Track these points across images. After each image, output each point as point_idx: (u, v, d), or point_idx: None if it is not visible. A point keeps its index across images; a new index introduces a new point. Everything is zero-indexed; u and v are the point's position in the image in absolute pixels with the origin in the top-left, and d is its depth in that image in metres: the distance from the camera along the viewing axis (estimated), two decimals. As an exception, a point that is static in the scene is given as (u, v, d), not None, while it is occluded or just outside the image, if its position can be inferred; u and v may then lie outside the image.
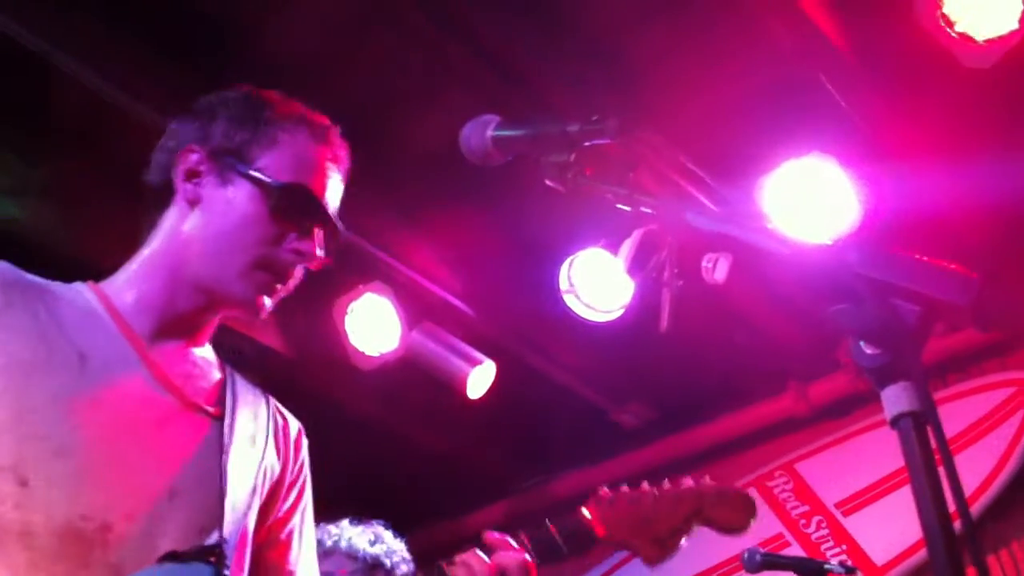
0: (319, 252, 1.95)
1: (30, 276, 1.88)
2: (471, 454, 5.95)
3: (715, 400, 5.60)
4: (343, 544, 3.18)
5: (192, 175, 1.95)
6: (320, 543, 3.16)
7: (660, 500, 2.34)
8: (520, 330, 5.17)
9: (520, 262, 4.79)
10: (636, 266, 1.55)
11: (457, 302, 4.91)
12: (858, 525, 5.14)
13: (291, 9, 3.82)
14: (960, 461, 1.12)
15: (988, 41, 3.43)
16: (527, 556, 2.14)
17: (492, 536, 2.15)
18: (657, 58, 4.01)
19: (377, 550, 3.19)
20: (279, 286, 1.95)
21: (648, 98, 4.01)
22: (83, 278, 1.99)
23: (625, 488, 2.37)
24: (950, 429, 1.20)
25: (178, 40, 3.79)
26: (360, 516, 3.32)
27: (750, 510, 2.45)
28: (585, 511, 2.30)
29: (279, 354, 5.04)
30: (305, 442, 2.10)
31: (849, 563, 3.71)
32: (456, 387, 4.87)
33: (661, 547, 2.30)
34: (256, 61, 3.87)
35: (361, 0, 3.80)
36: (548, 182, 1.65)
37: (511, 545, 2.14)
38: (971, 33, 3.44)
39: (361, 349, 4.77)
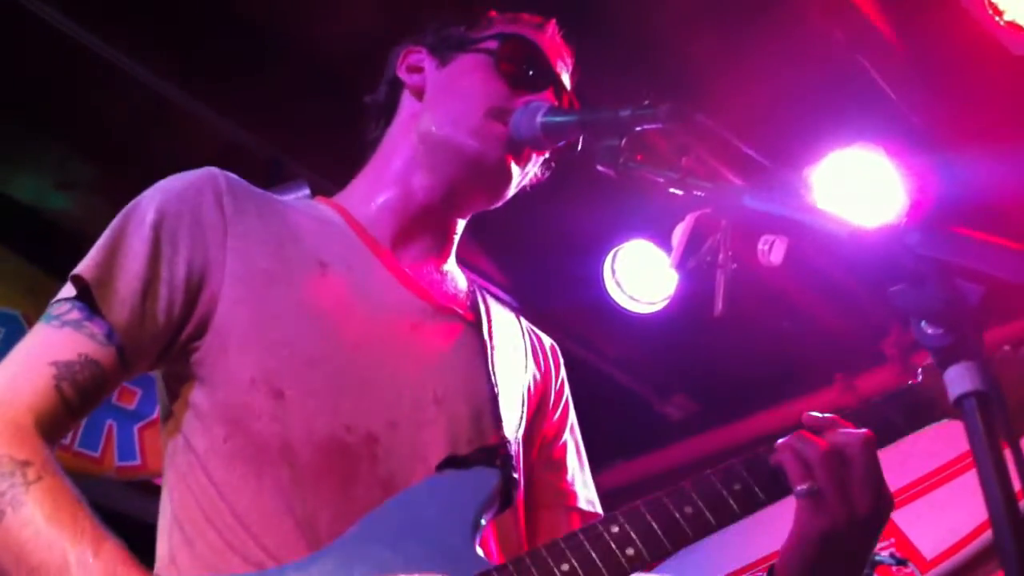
0: (556, 103, 1.86)
1: (257, 189, 1.79)
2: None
3: (760, 392, 5.56)
4: None
5: (415, 69, 1.94)
6: None
7: (1014, 362, 1.81)
8: (564, 322, 5.16)
9: (564, 253, 4.78)
10: (688, 251, 1.54)
11: (501, 293, 4.91)
12: (907, 518, 5.08)
13: (338, 10, 3.85)
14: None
15: (1037, 29, 3.40)
16: (863, 431, 1.65)
17: (814, 417, 1.69)
18: (705, 51, 4.00)
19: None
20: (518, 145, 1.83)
21: (695, 89, 4.00)
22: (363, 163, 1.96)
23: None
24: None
25: (224, 42, 3.83)
26: None
27: None
28: (919, 380, 1.81)
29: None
30: (562, 359, 2.01)
31: (898, 555, 3.68)
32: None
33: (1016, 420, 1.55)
34: (300, 61, 3.90)
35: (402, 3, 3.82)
36: (599, 167, 1.64)
37: (841, 423, 1.67)
38: (1020, 21, 3.41)
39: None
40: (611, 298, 4.63)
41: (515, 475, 1.60)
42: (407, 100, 1.94)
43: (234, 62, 3.90)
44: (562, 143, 1.84)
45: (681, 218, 1.63)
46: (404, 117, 1.92)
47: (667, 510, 1.59)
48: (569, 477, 1.90)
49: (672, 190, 1.51)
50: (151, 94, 3.87)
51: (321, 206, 1.86)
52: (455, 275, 1.92)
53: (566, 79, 1.95)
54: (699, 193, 1.48)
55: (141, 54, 3.77)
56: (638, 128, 1.63)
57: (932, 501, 4.96)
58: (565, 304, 5.02)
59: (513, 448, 1.69)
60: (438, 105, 1.87)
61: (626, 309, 4.63)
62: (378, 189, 1.87)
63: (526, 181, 1.94)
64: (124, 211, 1.68)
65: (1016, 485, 1.06)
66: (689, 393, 5.71)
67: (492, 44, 1.88)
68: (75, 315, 1.57)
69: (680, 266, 1.58)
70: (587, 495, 1.92)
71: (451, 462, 1.58)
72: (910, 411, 1.77)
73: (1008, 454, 1.05)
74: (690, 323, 4.45)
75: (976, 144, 4.07)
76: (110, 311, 1.57)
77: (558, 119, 1.78)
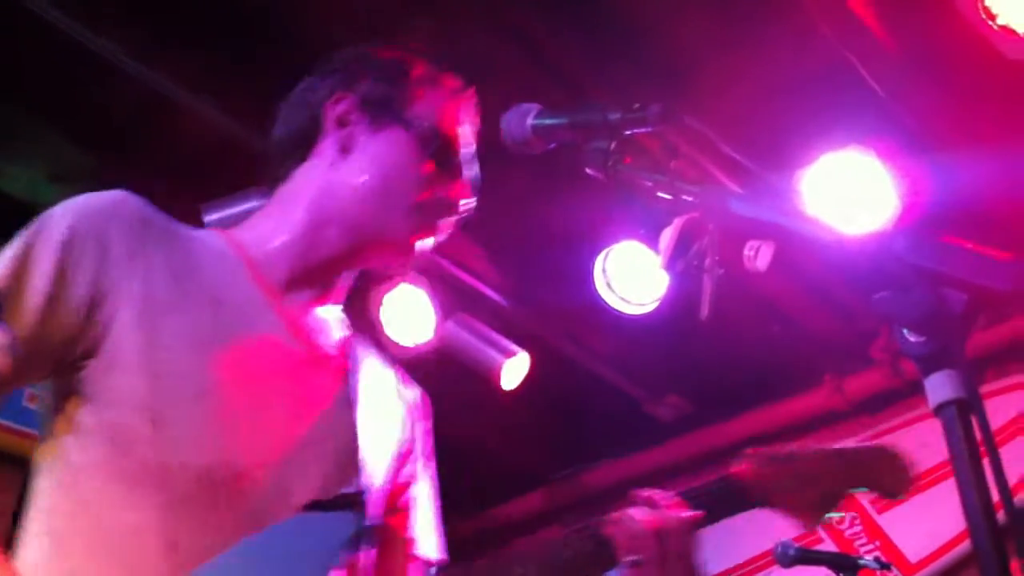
0: (473, 199, 1.97)
1: (164, 215, 1.84)
2: (506, 445, 5.97)
3: (750, 393, 5.57)
4: None
5: (343, 122, 1.96)
6: None
7: (821, 461, 2.11)
8: (555, 321, 5.17)
9: (555, 253, 4.79)
10: (676, 254, 1.55)
11: (492, 293, 4.92)
12: (892, 522, 5.10)
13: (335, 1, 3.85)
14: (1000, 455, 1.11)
15: (1030, 33, 3.40)
16: (683, 514, 1.89)
17: (646, 493, 1.92)
18: (696, 50, 4.00)
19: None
20: (434, 230, 1.95)
21: (685, 91, 4.00)
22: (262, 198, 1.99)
23: (780, 447, 2.15)
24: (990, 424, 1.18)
25: (225, 34, 3.83)
26: None
27: (908, 474, 2.20)
28: (737, 472, 2.06)
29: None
30: (431, 410, 2.09)
31: (883, 559, 3.69)
32: (491, 378, 4.87)
33: (818, 510, 2.07)
34: (303, 54, 3.89)
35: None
36: (588, 170, 1.64)
37: (671, 502, 1.89)
38: (1013, 25, 3.42)
39: (396, 339, 4.79)
40: (602, 298, 4.63)
41: (370, 522, 1.73)
42: (328, 148, 1.96)
43: (230, 54, 3.89)
44: (552, 145, 1.84)
45: (672, 219, 1.64)
46: (321, 166, 1.96)
47: (506, 570, 1.78)
48: (417, 525, 1.99)
49: (660, 194, 1.52)
50: (146, 86, 3.86)
51: (221, 240, 1.90)
52: (339, 323, 1.99)
53: (473, 146, 2.05)
54: (687, 197, 1.48)
55: (135, 45, 3.76)
56: (627, 131, 1.64)
57: (917, 505, 4.96)
58: (556, 304, 5.03)
59: (371, 495, 1.80)
60: (367, 176, 1.92)
61: (617, 310, 4.64)
62: (279, 231, 1.92)
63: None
64: (35, 226, 1.73)
65: (994, 494, 1.07)
66: (680, 393, 5.72)
67: (422, 128, 1.95)
68: None
69: (669, 270, 1.59)
70: (430, 544, 2.01)
71: (314, 505, 1.68)
72: (725, 499, 2.00)
73: (987, 463, 1.06)
74: (681, 324, 4.46)
75: (969, 147, 4.08)
76: (14, 322, 1.64)
77: (548, 122, 1.78)
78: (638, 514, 1.85)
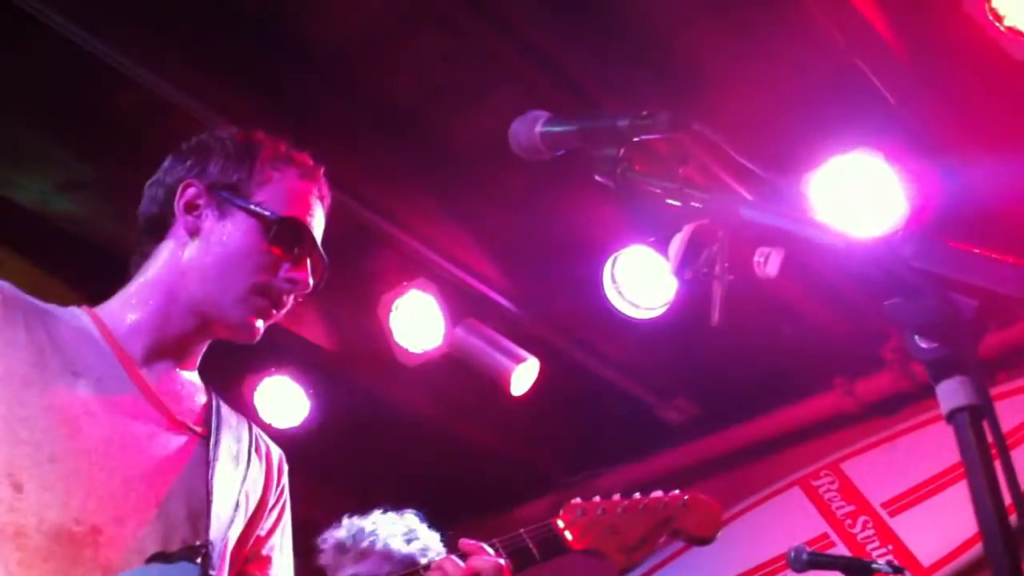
0: (310, 281, 2.08)
1: (29, 297, 2.00)
2: (516, 449, 5.97)
3: (761, 397, 5.57)
4: (379, 545, 3.19)
5: (192, 207, 2.08)
6: (356, 542, 3.19)
7: (628, 511, 2.42)
8: (564, 327, 5.17)
9: (564, 259, 4.79)
10: (685, 261, 1.55)
11: (501, 299, 4.92)
12: (905, 525, 5.09)
13: (341, 7, 3.85)
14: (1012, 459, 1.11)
15: (1038, 34, 3.40)
16: (501, 561, 2.21)
17: (467, 543, 2.24)
18: (705, 56, 4.01)
19: (413, 548, 3.19)
20: (274, 311, 2.07)
21: (695, 95, 4.00)
22: (132, 271, 2.09)
23: (597, 499, 2.47)
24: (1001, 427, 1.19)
25: (227, 40, 3.84)
26: (392, 506, 3.34)
27: (716, 521, 2.50)
28: (558, 520, 2.40)
29: (325, 351, 5.09)
30: (286, 468, 2.22)
31: (896, 563, 3.68)
32: (500, 384, 4.87)
33: (629, 555, 2.37)
34: (304, 60, 3.91)
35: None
36: (597, 177, 1.64)
37: (485, 551, 2.21)
38: (1020, 27, 3.41)
39: (405, 346, 4.80)
40: (611, 303, 4.63)
41: (212, 572, 1.86)
42: (179, 231, 2.09)
43: (237, 60, 3.90)
44: (561, 152, 1.84)
45: (681, 224, 1.64)
46: (174, 248, 2.09)
47: None
48: (272, 573, 2.14)
49: (669, 200, 1.52)
50: (154, 93, 3.88)
51: (85, 317, 2.03)
52: (196, 386, 2.12)
53: (321, 229, 2.15)
54: (696, 204, 1.48)
55: (145, 55, 3.77)
56: (636, 138, 1.64)
57: (930, 508, 4.96)
58: (566, 309, 5.03)
59: (217, 548, 1.92)
60: (210, 260, 2.04)
61: (626, 314, 4.64)
62: (136, 309, 2.05)
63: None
64: None
65: (1006, 499, 1.06)
66: (690, 397, 5.71)
67: (266, 212, 2.05)
68: None
69: (678, 276, 1.59)
70: None
71: (159, 556, 1.82)
72: (544, 544, 2.34)
73: (998, 467, 1.06)
74: (690, 328, 4.45)
75: (977, 149, 4.07)
76: None
77: (557, 129, 1.78)
78: (450, 565, 2.16)
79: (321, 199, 2.15)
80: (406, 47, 3.99)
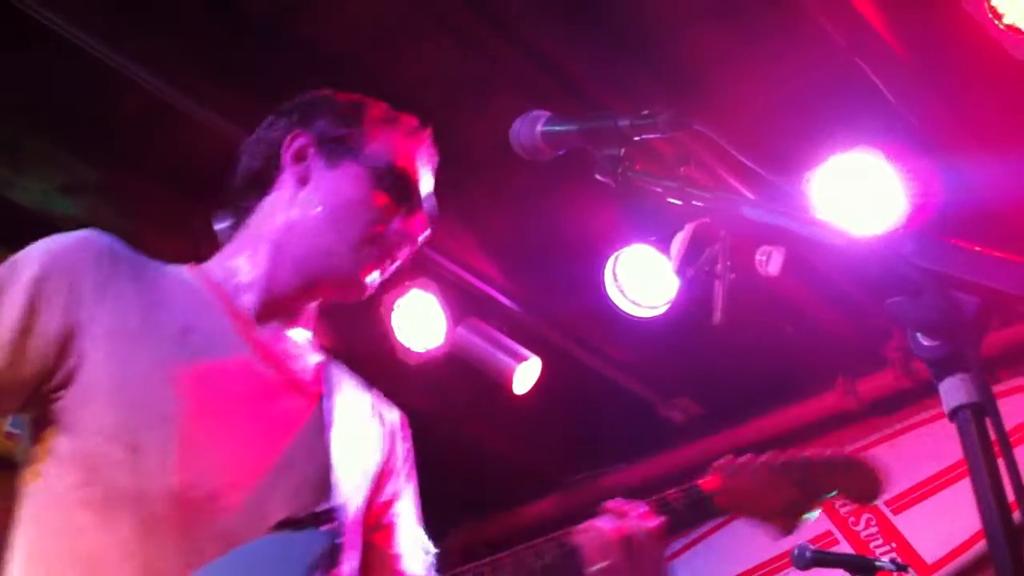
0: (421, 234, 2.04)
1: (134, 252, 1.91)
2: (519, 449, 5.97)
3: (763, 396, 5.57)
4: None
5: (300, 157, 2.03)
6: None
7: (785, 469, 2.22)
8: (566, 325, 5.17)
9: (566, 258, 4.79)
10: (687, 260, 1.55)
11: (503, 298, 4.93)
12: (908, 523, 5.09)
13: (343, 10, 3.85)
14: (1015, 456, 1.12)
15: (1037, 32, 3.39)
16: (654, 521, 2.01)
17: (616, 503, 2.05)
18: (706, 56, 4.00)
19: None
20: (385, 266, 2.01)
21: (696, 95, 4.01)
22: (224, 232, 2.06)
23: (749, 456, 2.27)
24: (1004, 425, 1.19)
25: (231, 43, 3.84)
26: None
27: (879, 478, 2.30)
28: (706, 480, 2.21)
29: (326, 350, 5.09)
30: (409, 431, 2.16)
31: (899, 561, 3.68)
32: (502, 383, 4.88)
33: (786, 519, 2.18)
34: (309, 64, 3.91)
35: (413, 1, 3.83)
36: (599, 177, 1.65)
37: (638, 510, 2.02)
38: (1020, 25, 3.41)
39: (407, 345, 4.80)
40: (613, 302, 4.63)
41: (341, 540, 1.77)
42: (287, 183, 2.04)
43: (241, 63, 3.90)
44: (562, 152, 1.85)
45: (683, 223, 1.64)
46: (281, 200, 2.03)
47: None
48: (399, 542, 2.05)
49: (671, 200, 1.52)
50: (157, 95, 3.88)
51: (191, 274, 1.97)
52: (309, 346, 2.06)
53: (429, 190, 2.11)
54: (698, 203, 1.49)
55: (148, 57, 3.77)
56: (638, 137, 1.64)
57: (934, 505, 4.96)
58: (568, 308, 5.03)
59: (344, 515, 1.84)
60: (320, 212, 1.99)
61: (628, 313, 4.64)
62: (244, 265, 1.99)
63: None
64: (9, 263, 1.81)
65: (1009, 496, 1.07)
66: (692, 396, 5.71)
67: (377, 163, 2.02)
68: None
69: (680, 275, 1.60)
70: (413, 561, 2.06)
71: (285, 524, 1.73)
72: (693, 507, 2.13)
73: (1002, 464, 1.06)
74: (693, 327, 4.45)
75: (977, 147, 4.07)
76: None
77: (558, 128, 1.79)
78: (605, 523, 1.97)
79: (428, 159, 2.12)
80: (409, 49, 4.00)
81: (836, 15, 3.65)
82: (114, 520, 1.67)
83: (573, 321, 5.15)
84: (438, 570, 2.09)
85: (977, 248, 1.14)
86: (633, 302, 4.65)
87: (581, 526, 1.97)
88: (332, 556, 1.74)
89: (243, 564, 1.68)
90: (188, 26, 3.80)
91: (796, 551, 3.45)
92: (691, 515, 2.12)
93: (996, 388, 4.86)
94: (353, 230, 1.97)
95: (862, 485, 2.27)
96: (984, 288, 1.10)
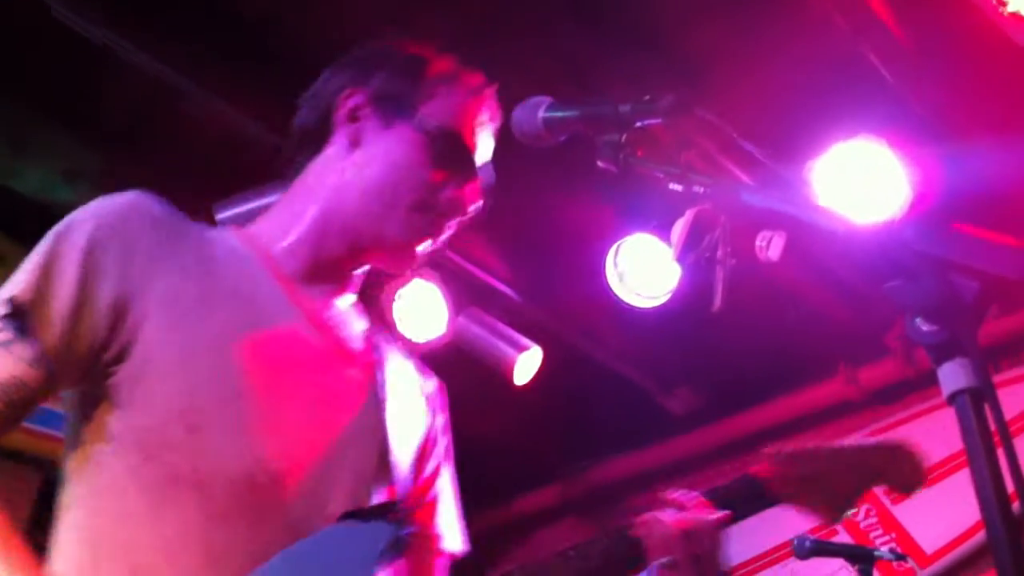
0: (474, 204, 1.94)
1: (180, 214, 1.81)
2: (519, 439, 5.97)
3: (764, 385, 5.57)
4: None
5: (353, 117, 1.94)
6: None
7: (836, 458, 2.19)
8: (567, 315, 5.17)
9: (567, 248, 4.79)
10: (688, 246, 1.54)
11: (504, 288, 4.92)
12: (907, 513, 5.09)
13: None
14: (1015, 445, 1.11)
15: (1041, 19, 3.39)
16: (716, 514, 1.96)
17: (676, 495, 1.97)
18: (708, 43, 3.99)
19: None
20: (435, 234, 1.92)
21: (698, 83, 4.00)
22: (281, 191, 2.00)
23: (797, 446, 2.23)
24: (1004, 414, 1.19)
25: (232, 29, 3.83)
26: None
27: (923, 467, 2.28)
28: (759, 469, 2.14)
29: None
30: (445, 398, 2.09)
31: (899, 551, 3.69)
32: (503, 373, 4.88)
33: (837, 506, 2.15)
34: (310, 52, 3.90)
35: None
36: (600, 163, 1.64)
37: (699, 503, 1.95)
38: (1023, 11, 3.40)
39: (409, 335, 4.80)
40: (614, 292, 4.63)
41: (406, 530, 1.72)
42: (339, 142, 1.94)
43: (241, 50, 3.89)
44: (563, 138, 1.84)
45: (683, 211, 1.63)
46: (332, 160, 1.93)
47: (556, 570, 1.83)
48: (440, 520, 1.98)
49: (672, 185, 1.52)
50: (157, 83, 3.87)
51: (236, 238, 1.87)
52: (356, 312, 1.97)
53: (489, 152, 2.01)
54: (698, 189, 1.48)
55: (146, 42, 3.76)
56: (639, 123, 1.63)
57: (933, 496, 4.95)
58: (568, 298, 5.03)
59: (406, 501, 1.80)
60: (370, 173, 1.89)
61: (629, 303, 4.64)
62: (292, 228, 1.90)
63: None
64: (55, 232, 1.71)
65: (1009, 486, 1.06)
66: (693, 386, 5.71)
67: (430, 127, 1.91)
68: (7, 335, 1.61)
69: (680, 261, 1.59)
70: (454, 537, 2.00)
71: (351, 514, 1.66)
72: (748, 498, 2.05)
73: (1001, 453, 1.05)
74: (693, 316, 4.45)
75: (980, 134, 4.07)
76: (41, 334, 1.62)
77: (559, 114, 1.78)
78: (667, 516, 1.87)
79: (491, 119, 2.00)
80: (411, 36, 3.99)
81: (840, 2, 3.64)
82: (174, 505, 1.59)
83: (574, 311, 5.14)
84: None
85: (977, 232, 1.13)
86: (634, 292, 4.65)
87: (643, 517, 1.89)
88: (397, 548, 1.67)
89: (311, 556, 1.62)
90: (191, 12, 3.79)
91: (796, 541, 3.45)
92: (748, 506, 2.06)
93: (997, 378, 4.87)
94: (402, 196, 1.87)
95: (908, 472, 2.25)
96: (984, 273, 1.10)
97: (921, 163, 3.90)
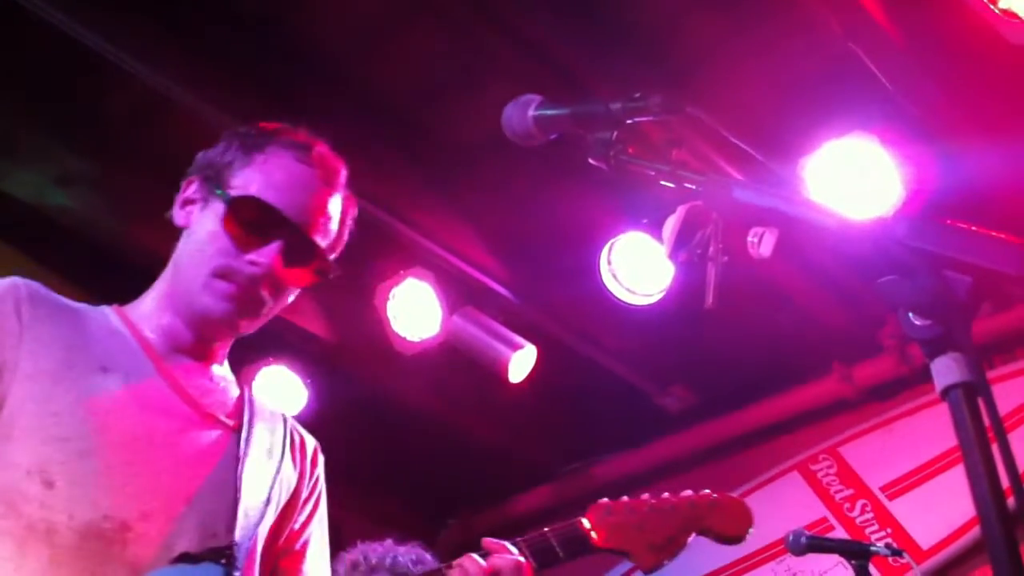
0: (279, 261, 1.97)
1: (57, 296, 1.99)
2: (514, 439, 5.97)
3: (759, 383, 5.57)
4: (387, 561, 3.27)
5: (187, 203, 2.06)
6: (367, 560, 3.26)
7: (656, 510, 2.40)
8: (561, 314, 5.16)
9: (560, 246, 4.78)
10: (679, 243, 1.54)
11: (498, 287, 4.92)
12: (903, 509, 5.09)
13: (339, 4, 3.85)
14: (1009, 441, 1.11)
15: (1032, 17, 3.39)
16: (522, 559, 2.17)
17: (489, 542, 2.20)
18: (701, 43, 4.00)
19: (419, 570, 3.25)
20: (244, 297, 1.98)
21: (691, 81, 3.99)
22: (128, 266, 2.07)
23: (624, 499, 2.42)
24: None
25: (226, 36, 3.83)
26: (403, 539, 3.41)
27: (747, 520, 2.50)
28: (583, 519, 2.36)
29: (322, 340, 5.09)
30: (321, 459, 2.19)
31: (894, 546, 3.68)
32: (497, 372, 4.87)
33: (656, 555, 2.35)
34: (302, 58, 3.90)
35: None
36: (591, 160, 1.64)
37: (507, 549, 2.18)
38: (1015, 9, 3.41)
39: (403, 334, 4.79)
40: (608, 290, 4.63)
41: (236, 573, 1.85)
42: (181, 226, 2.07)
43: (234, 57, 3.89)
44: (554, 136, 1.84)
45: (674, 207, 1.63)
46: (176, 248, 2.07)
47: None
48: (307, 566, 2.11)
49: (663, 183, 1.52)
50: (151, 89, 3.87)
51: (113, 316, 2.02)
52: (227, 380, 2.10)
53: (325, 210, 2.05)
54: (690, 186, 1.48)
55: (143, 51, 3.76)
56: (630, 121, 1.63)
57: (929, 492, 4.96)
58: (562, 297, 5.02)
59: (244, 547, 1.90)
60: (187, 249, 2.02)
61: (623, 301, 4.63)
62: (154, 307, 2.04)
63: (282, 306, 2.08)
64: None
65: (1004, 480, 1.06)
66: (687, 384, 5.71)
67: (236, 196, 1.98)
68: None
69: (673, 258, 1.59)
70: None
71: (185, 557, 1.81)
72: (569, 543, 2.29)
73: (996, 449, 1.05)
74: (687, 314, 4.44)
75: (972, 132, 4.07)
76: None
77: (550, 113, 1.78)
78: (470, 563, 2.11)
79: (323, 179, 2.04)
80: (403, 41, 3.99)
81: (833, 1, 3.64)
82: (28, 553, 1.74)
83: (568, 310, 5.14)
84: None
85: (969, 227, 1.13)
86: (628, 290, 4.65)
87: (456, 562, 2.12)
88: None
89: None
90: (186, 20, 3.78)
91: (791, 537, 3.45)
92: (566, 551, 2.27)
93: (991, 374, 4.87)
94: (202, 266, 1.97)
95: (732, 525, 2.47)
96: (976, 268, 1.10)
97: (913, 160, 3.91)
